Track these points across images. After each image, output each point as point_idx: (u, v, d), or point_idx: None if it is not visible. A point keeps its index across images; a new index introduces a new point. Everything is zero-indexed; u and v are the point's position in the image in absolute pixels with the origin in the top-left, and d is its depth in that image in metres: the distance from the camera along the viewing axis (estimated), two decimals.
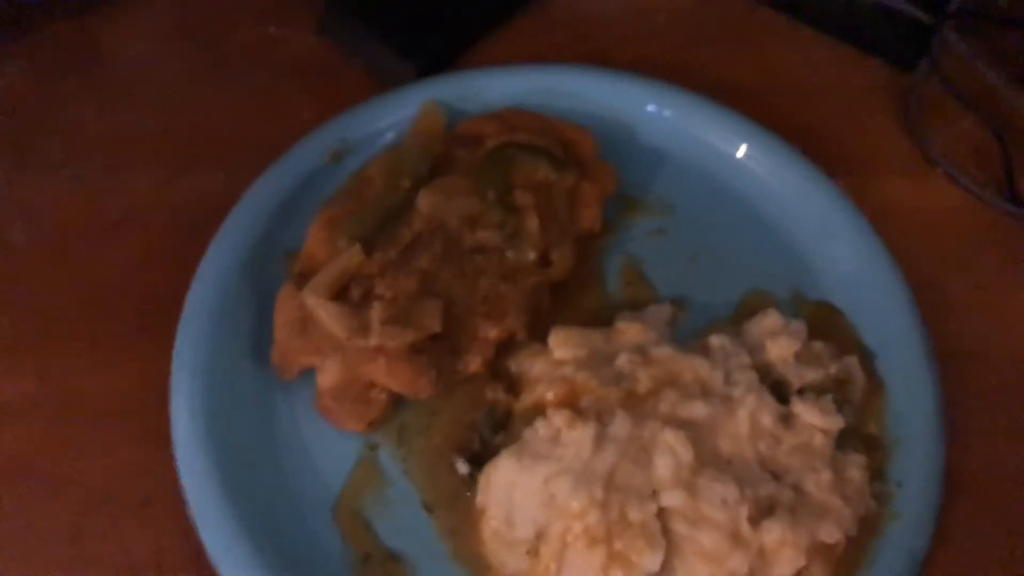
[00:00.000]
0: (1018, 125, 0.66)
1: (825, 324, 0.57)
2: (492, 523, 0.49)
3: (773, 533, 0.47)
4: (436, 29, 0.70)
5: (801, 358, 0.54)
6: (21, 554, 0.50)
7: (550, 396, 0.51)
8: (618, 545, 0.46)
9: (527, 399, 0.53)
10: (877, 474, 0.51)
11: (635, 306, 0.57)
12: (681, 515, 0.47)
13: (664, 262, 0.60)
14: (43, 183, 0.64)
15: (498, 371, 0.54)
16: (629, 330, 0.54)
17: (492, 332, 0.53)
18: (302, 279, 0.53)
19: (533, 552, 0.48)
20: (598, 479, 0.47)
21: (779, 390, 0.52)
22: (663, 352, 0.52)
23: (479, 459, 0.51)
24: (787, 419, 0.51)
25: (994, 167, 0.64)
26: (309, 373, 0.52)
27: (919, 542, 0.50)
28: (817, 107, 0.69)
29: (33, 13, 0.72)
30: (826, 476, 0.49)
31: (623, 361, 0.52)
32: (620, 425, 0.49)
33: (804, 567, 0.47)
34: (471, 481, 0.51)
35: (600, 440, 0.48)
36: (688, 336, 0.56)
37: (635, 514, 0.46)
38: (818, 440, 0.50)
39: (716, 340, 0.53)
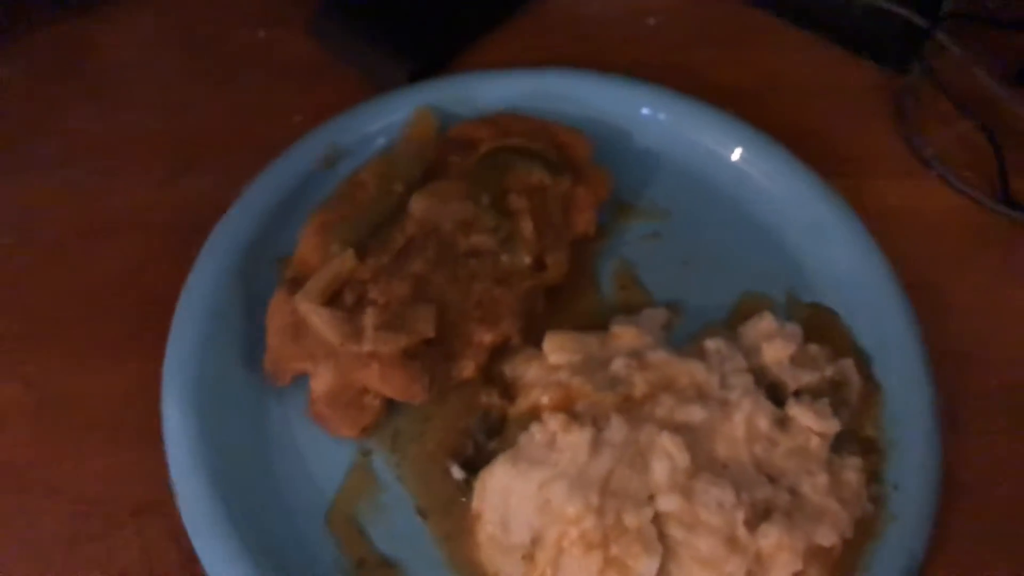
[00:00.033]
0: (1012, 127, 0.66)
1: (821, 327, 0.57)
2: (487, 528, 0.49)
3: (770, 537, 0.46)
4: (429, 32, 0.70)
5: (797, 361, 0.53)
6: (12, 560, 0.50)
7: (545, 401, 0.51)
8: (614, 550, 0.46)
9: (522, 404, 0.52)
10: (874, 476, 0.51)
11: (630, 310, 0.57)
12: (677, 520, 0.47)
13: (659, 266, 0.60)
14: (37, 185, 0.64)
15: (492, 376, 0.54)
16: (624, 334, 0.54)
17: (486, 337, 0.52)
18: (295, 285, 0.52)
19: (529, 557, 0.48)
20: (594, 484, 0.47)
21: (775, 393, 0.52)
22: (658, 356, 0.52)
23: (474, 464, 0.51)
24: (783, 422, 0.51)
25: (988, 168, 0.65)
26: (302, 379, 0.52)
27: (916, 544, 0.49)
28: (811, 109, 0.69)
29: (29, 15, 0.72)
30: (822, 479, 0.49)
31: (618, 365, 0.51)
32: (616, 430, 0.48)
33: (801, 571, 0.47)
34: (466, 487, 0.50)
35: (596, 445, 0.48)
36: (683, 340, 0.55)
37: (631, 519, 0.46)
38: (814, 443, 0.50)
39: (711, 344, 0.53)
